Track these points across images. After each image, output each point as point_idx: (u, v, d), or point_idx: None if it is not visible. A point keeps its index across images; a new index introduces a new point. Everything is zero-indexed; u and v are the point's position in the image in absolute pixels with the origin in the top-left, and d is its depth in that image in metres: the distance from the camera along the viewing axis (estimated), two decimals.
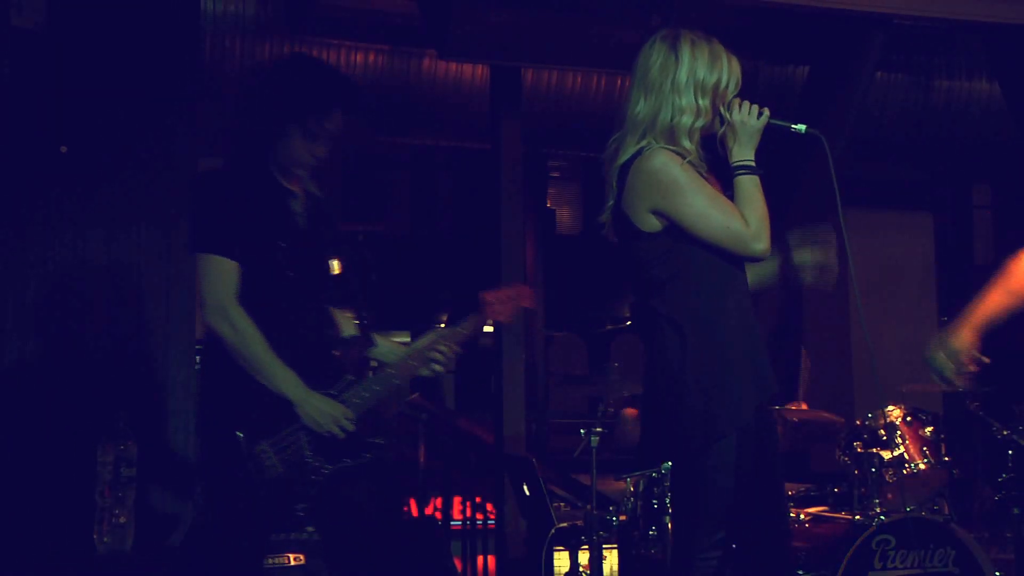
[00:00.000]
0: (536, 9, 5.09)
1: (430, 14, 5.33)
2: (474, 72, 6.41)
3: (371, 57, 6.32)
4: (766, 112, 2.98)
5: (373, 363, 3.30)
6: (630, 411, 5.12)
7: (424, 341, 3.27)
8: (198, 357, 4.75)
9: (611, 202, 3.02)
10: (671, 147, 2.94)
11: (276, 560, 2.98)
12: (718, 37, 3.08)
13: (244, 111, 3.25)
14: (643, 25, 5.04)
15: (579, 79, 6.51)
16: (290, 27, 5.98)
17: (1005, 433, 4.60)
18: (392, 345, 3.34)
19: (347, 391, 3.13)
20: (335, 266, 3.34)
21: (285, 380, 3.02)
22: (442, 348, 3.25)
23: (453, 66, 6.41)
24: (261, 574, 2.99)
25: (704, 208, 2.88)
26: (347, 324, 3.31)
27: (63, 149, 4.50)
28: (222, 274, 3.04)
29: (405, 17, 6.00)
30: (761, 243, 2.90)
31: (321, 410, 3.04)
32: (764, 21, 6.37)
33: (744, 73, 3.07)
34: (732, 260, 2.94)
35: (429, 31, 5.42)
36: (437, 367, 3.26)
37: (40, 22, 4.45)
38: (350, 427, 3.06)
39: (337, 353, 3.18)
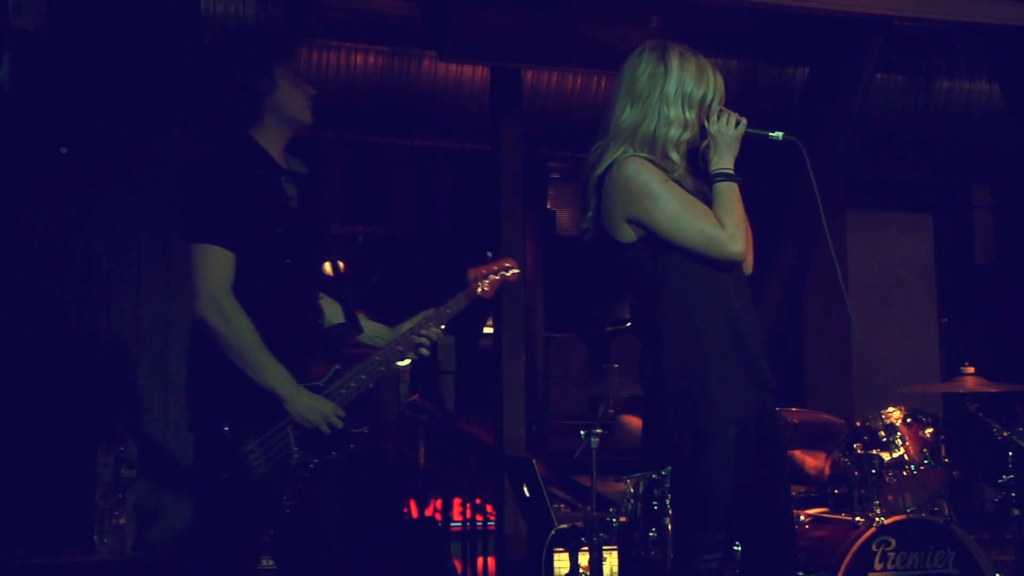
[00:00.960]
0: (536, 10, 5.09)
1: (430, 15, 5.33)
2: (474, 73, 6.40)
3: (371, 58, 6.32)
4: (743, 121, 3.01)
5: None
6: (628, 418, 5.11)
7: (410, 324, 3.25)
8: None
9: (590, 213, 3.04)
10: (646, 155, 2.95)
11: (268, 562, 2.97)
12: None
13: (217, 93, 3.20)
14: (643, 26, 5.04)
15: (579, 80, 6.51)
16: (290, 28, 5.98)
17: (1005, 434, 4.60)
18: (378, 328, 3.30)
19: (335, 382, 3.10)
20: (331, 267, 3.32)
21: (275, 375, 2.98)
22: (428, 331, 3.24)
23: (453, 67, 6.40)
24: (255, 573, 2.98)
25: (676, 212, 2.91)
26: (334, 310, 3.27)
27: (63, 150, 4.50)
28: (218, 265, 2.98)
29: (405, 18, 6.00)
30: (737, 245, 2.92)
31: (310, 407, 3.00)
32: (764, 22, 6.37)
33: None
34: (715, 265, 2.95)
35: (429, 32, 5.42)
36: (423, 351, 3.25)
37: (40, 24, 4.45)
38: (338, 424, 3.04)
39: (326, 344, 3.15)
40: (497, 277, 3.41)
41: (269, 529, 2.99)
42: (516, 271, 3.45)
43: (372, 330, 3.29)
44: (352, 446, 3.10)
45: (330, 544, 3.11)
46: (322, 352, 3.13)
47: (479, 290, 3.37)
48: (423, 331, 3.23)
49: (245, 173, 3.05)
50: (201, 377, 3.05)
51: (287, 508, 2.97)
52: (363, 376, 3.13)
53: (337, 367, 3.12)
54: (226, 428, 2.94)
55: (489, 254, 3.49)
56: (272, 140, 3.15)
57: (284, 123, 3.15)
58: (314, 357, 3.10)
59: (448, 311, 3.29)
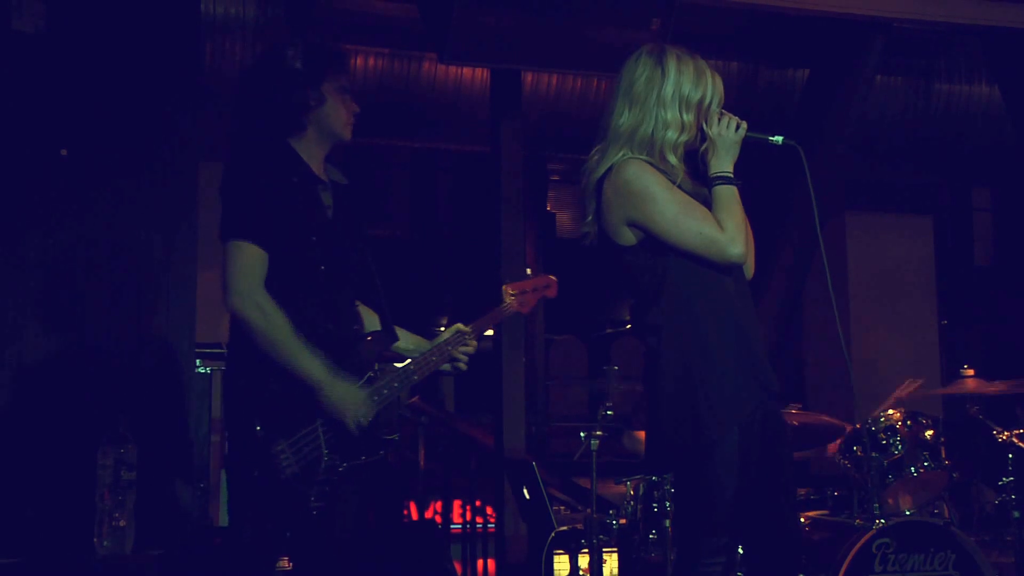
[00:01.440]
0: (536, 12, 5.10)
1: (430, 17, 5.34)
2: (474, 75, 6.41)
3: (371, 60, 6.33)
4: (743, 125, 3.01)
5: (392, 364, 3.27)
6: (636, 433, 5.11)
7: (445, 336, 3.26)
8: (199, 360, 4.78)
9: (590, 216, 3.05)
10: (646, 158, 2.95)
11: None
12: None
13: (263, 101, 3.20)
14: (643, 28, 5.05)
15: (579, 82, 6.52)
16: (291, 30, 5.99)
17: (1005, 436, 4.61)
18: (414, 340, 3.32)
19: (366, 388, 3.10)
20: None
21: (310, 364, 2.98)
22: (465, 347, 3.25)
23: (453, 69, 6.41)
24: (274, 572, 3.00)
25: (676, 215, 2.91)
26: (370, 319, 3.28)
27: (63, 152, 4.51)
28: (250, 261, 3.00)
29: (405, 20, 6.01)
30: (737, 247, 2.92)
31: (343, 397, 3.00)
32: (764, 24, 6.38)
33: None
34: (716, 267, 2.95)
35: (429, 34, 5.42)
36: (460, 365, 3.26)
37: (40, 26, 4.46)
38: (365, 422, 3.05)
39: (361, 350, 3.16)
40: (537, 294, 3.43)
41: (290, 530, 3.01)
42: (555, 289, 3.46)
43: (407, 340, 3.31)
44: (381, 452, 3.11)
45: (348, 548, 3.12)
46: (356, 359, 3.13)
47: (516, 306, 3.38)
48: (460, 348, 3.25)
49: (282, 180, 3.08)
50: (236, 376, 3.07)
51: (313, 510, 2.98)
52: (396, 384, 3.14)
53: (370, 374, 3.13)
54: (258, 427, 2.95)
55: (528, 271, 3.50)
56: (311, 151, 3.17)
57: (325, 136, 3.18)
58: (348, 363, 3.10)
59: (483, 326, 3.30)
